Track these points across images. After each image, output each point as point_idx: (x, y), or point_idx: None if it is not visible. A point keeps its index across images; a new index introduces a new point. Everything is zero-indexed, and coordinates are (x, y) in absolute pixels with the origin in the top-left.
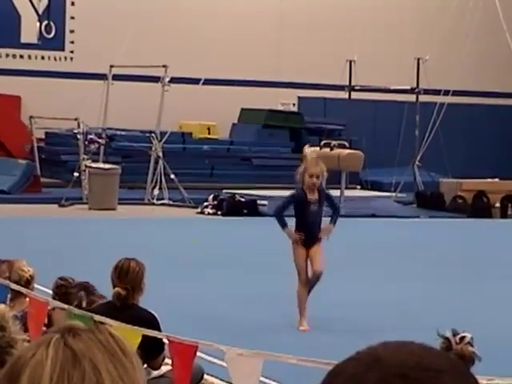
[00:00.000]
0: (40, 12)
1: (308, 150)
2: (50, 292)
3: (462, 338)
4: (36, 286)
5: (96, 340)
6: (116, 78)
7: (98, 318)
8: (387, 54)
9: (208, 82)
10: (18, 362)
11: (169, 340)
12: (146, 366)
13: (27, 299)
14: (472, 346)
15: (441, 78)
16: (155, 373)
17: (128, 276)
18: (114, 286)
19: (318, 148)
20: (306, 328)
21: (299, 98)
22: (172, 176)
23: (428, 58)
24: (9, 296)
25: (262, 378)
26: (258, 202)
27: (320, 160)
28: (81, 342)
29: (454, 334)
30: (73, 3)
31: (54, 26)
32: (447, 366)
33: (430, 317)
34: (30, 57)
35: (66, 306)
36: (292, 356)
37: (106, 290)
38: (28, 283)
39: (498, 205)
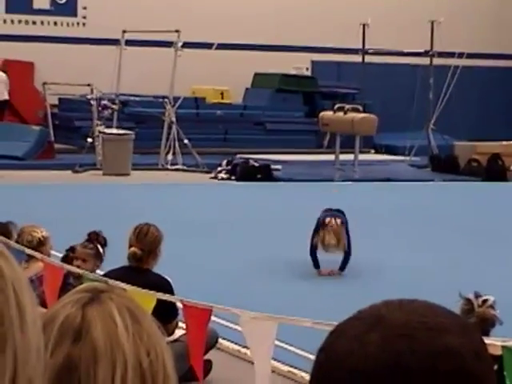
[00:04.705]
0: None
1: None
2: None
3: (485, 301)
4: (52, 252)
5: (118, 298)
6: (129, 43)
7: (111, 282)
8: (401, 17)
9: (221, 46)
10: (51, 319)
11: (183, 304)
12: None
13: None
14: (494, 309)
15: (455, 40)
16: (169, 338)
17: (146, 238)
18: (130, 247)
19: (331, 112)
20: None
21: (313, 62)
22: (185, 141)
23: (442, 20)
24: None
25: (277, 342)
26: (272, 166)
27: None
28: (110, 302)
29: (477, 296)
30: None
31: None
32: (451, 324)
33: (448, 281)
34: (42, 23)
35: (80, 271)
36: (307, 319)
37: (120, 254)
38: (41, 244)
39: None
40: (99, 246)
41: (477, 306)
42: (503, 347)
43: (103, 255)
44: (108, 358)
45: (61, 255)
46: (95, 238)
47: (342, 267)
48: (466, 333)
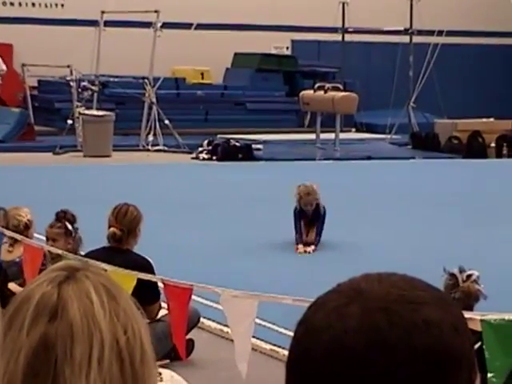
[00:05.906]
0: None
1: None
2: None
3: (469, 276)
4: (34, 234)
5: (93, 276)
6: (108, 24)
7: (92, 262)
8: None
9: (200, 26)
10: (25, 299)
11: (164, 283)
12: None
13: None
14: (478, 283)
15: (434, 18)
16: None
17: (125, 218)
18: (110, 227)
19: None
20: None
21: (293, 41)
22: (166, 122)
23: None
24: (7, 242)
25: (260, 320)
26: (253, 146)
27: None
28: (86, 280)
29: (461, 271)
30: None
31: None
32: (429, 297)
33: (428, 256)
34: (20, 4)
35: (60, 251)
36: (287, 296)
37: (102, 236)
38: (27, 228)
39: (493, 145)
40: (67, 224)
41: (461, 280)
42: (482, 321)
43: (73, 232)
44: (85, 337)
45: (42, 237)
46: (63, 216)
47: (316, 242)
48: (445, 306)
